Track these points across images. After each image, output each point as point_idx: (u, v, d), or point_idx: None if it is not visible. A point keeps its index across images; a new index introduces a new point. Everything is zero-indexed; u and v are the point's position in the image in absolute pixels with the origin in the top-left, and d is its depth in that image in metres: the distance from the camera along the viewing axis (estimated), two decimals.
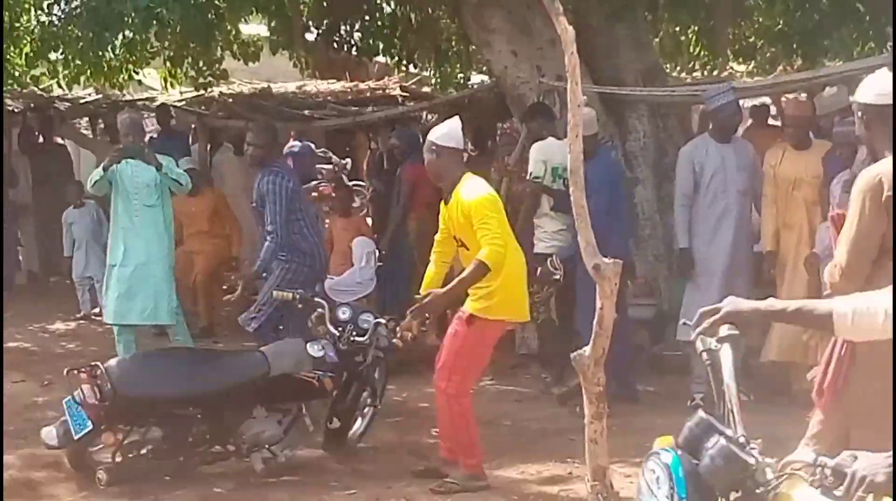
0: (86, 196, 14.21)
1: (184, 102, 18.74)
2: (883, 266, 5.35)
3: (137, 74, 18.43)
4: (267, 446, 8.71)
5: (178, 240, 14.49)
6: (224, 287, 15.66)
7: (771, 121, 16.50)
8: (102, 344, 11.48)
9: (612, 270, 6.68)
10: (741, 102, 16.15)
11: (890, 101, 5.53)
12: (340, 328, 9.17)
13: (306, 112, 17.47)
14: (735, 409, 3.89)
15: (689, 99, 13.78)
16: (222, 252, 14.67)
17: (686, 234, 10.73)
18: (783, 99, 16.60)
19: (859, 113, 5.74)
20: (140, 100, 20.07)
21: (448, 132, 8.43)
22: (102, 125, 19.12)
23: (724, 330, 4.06)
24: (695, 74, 18.70)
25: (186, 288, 14.45)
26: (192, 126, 18.09)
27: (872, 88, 5.69)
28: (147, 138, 16.73)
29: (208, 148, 17.66)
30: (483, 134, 15.66)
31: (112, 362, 8.75)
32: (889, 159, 5.41)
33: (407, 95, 17.52)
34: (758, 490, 3.69)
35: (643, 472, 3.94)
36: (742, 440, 3.75)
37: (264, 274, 10.66)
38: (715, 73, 17.76)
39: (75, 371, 8.39)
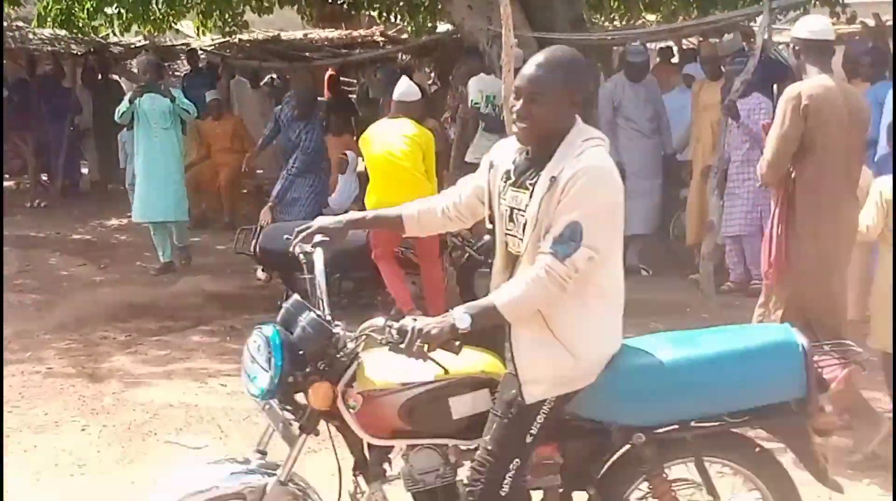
0: None
1: (212, 47, 18.57)
2: (800, 162, 5.65)
3: (176, 24, 18.31)
4: None
5: (206, 155, 14.63)
6: (244, 191, 15.74)
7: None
8: (147, 236, 11.48)
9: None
10: (653, 45, 16.26)
11: (819, 37, 5.78)
12: None
13: (307, 54, 17.35)
14: (324, 296, 3.99)
15: (608, 43, 13.73)
16: (241, 164, 14.67)
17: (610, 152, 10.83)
18: (693, 42, 16.63)
19: (795, 46, 5.88)
20: (178, 45, 19.93)
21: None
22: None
23: (318, 238, 4.12)
24: (616, 23, 18.60)
25: (213, 193, 14.57)
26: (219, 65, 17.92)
27: (805, 26, 5.90)
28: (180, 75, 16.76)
29: (230, 82, 17.49)
30: (445, 71, 15.60)
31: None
32: (813, 78, 5.70)
33: (386, 40, 17.42)
34: (339, 355, 3.81)
35: (248, 344, 3.99)
36: (329, 317, 3.87)
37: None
38: (632, 22, 17.65)
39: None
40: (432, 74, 16.84)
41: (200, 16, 17.89)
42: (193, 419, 6.69)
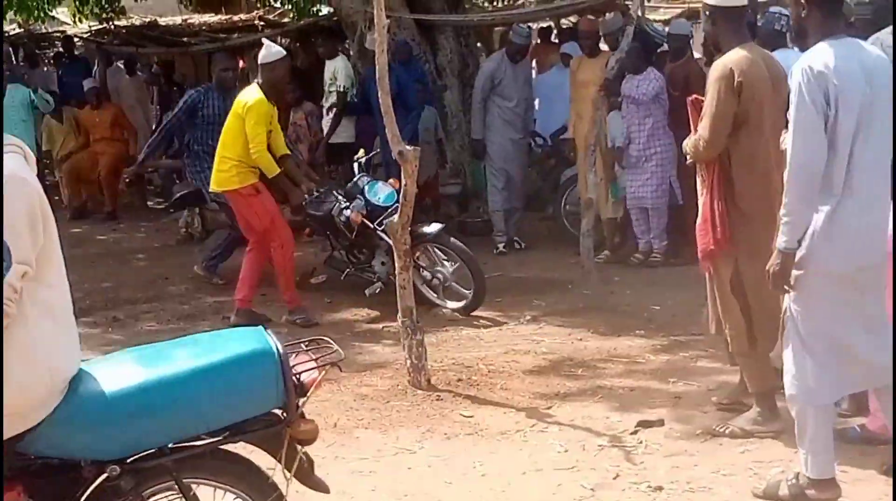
0: None
1: (88, 34, 18.23)
2: (734, 136, 5.56)
3: (51, 10, 17.95)
4: None
5: (85, 144, 14.40)
6: (125, 179, 15.51)
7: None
8: None
9: (413, 155, 6.74)
10: (532, 25, 16.36)
11: (734, 3, 5.64)
12: None
13: (185, 39, 17.12)
14: None
15: (486, 23, 13.82)
16: (122, 153, 14.51)
17: (480, 129, 11.02)
18: (571, 21, 16.75)
19: (707, 12, 5.79)
20: (54, 32, 19.53)
21: None
22: (23, 53, 18.55)
23: None
24: (494, 2, 18.65)
25: (93, 182, 14.35)
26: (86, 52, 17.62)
27: None
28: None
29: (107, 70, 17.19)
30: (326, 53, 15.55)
31: None
32: (736, 50, 5.58)
33: (265, 24, 17.25)
34: None
35: None
36: None
37: None
38: (511, 2, 17.74)
39: None
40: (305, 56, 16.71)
41: (76, 2, 17.59)
42: None
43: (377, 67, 6.77)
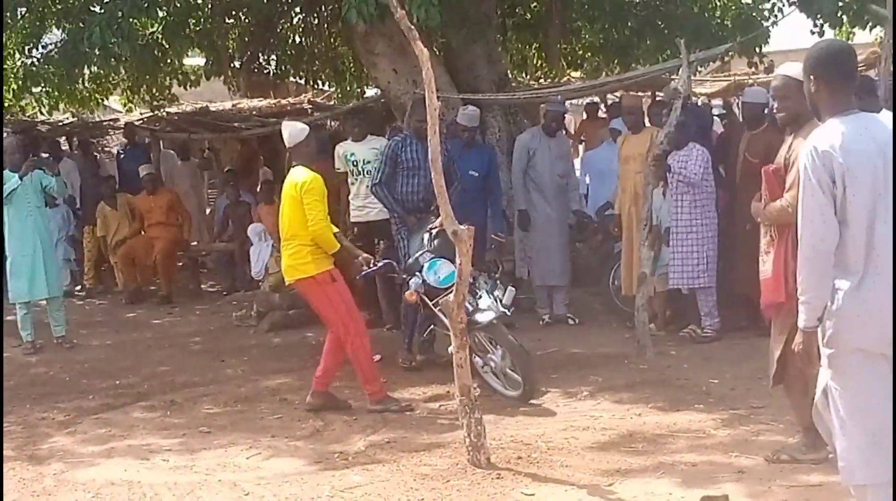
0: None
1: (141, 121, 18.51)
2: None
3: (104, 100, 18.26)
4: None
5: (139, 229, 14.62)
6: (179, 264, 15.69)
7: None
8: (79, 313, 11.37)
9: (467, 234, 6.78)
10: (579, 101, 16.45)
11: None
12: None
13: (236, 124, 17.36)
14: None
15: (532, 100, 13.92)
16: (176, 237, 14.71)
17: (523, 200, 11.16)
18: (617, 96, 16.87)
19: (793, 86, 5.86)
20: (106, 121, 19.84)
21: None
22: (77, 142, 18.87)
23: None
24: (541, 80, 18.80)
25: (147, 267, 14.53)
26: (147, 140, 17.84)
27: (796, 66, 5.74)
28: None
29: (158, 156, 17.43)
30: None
31: None
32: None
33: (314, 107, 17.46)
34: None
35: None
36: None
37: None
38: (556, 79, 17.86)
39: None
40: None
41: (128, 91, 17.90)
42: (136, 496, 6.59)
43: (430, 149, 6.83)
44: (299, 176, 8.21)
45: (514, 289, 8.95)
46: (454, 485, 6.39)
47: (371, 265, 8.61)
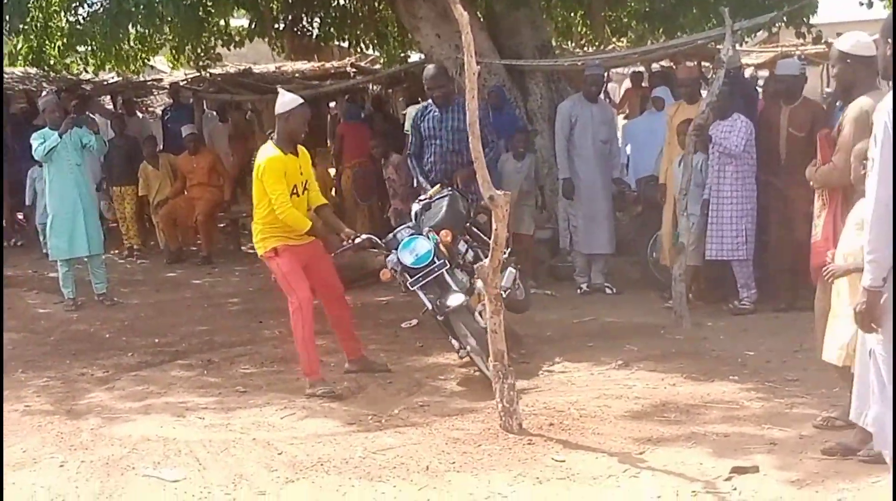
0: None
1: (185, 82, 18.62)
2: None
3: (149, 60, 18.37)
4: None
5: (181, 189, 14.71)
6: (220, 226, 15.80)
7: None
8: (122, 272, 11.50)
9: (503, 199, 6.79)
10: (624, 69, 16.38)
11: (862, 53, 6.13)
12: None
13: (279, 87, 17.40)
14: None
15: (578, 69, 13.83)
16: (217, 199, 14.78)
17: (567, 167, 11.01)
18: (661, 65, 16.79)
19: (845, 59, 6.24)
20: (149, 81, 19.96)
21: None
22: (122, 101, 18.99)
23: None
24: (585, 48, 18.74)
25: (189, 227, 14.63)
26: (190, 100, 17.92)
27: (849, 40, 6.24)
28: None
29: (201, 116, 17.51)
30: (415, 98, 15.80)
31: None
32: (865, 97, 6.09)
33: (357, 71, 17.51)
34: None
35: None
36: None
37: None
38: (601, 47, 17.79)
39: None
40: (402, 101, 16.99)
41: (173, 51, 17.98)
42: (171, 452, 6.68)
43: (468, 113, 6.84)
44: (260, 157, 8.03)
45: (514, 271, 8.75)
46: (486, 450, 6.43)
47: (351, 241, 8.26)
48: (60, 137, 11.13)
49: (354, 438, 6.82)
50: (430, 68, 9.94)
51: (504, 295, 7.94)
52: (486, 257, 7.91)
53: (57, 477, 6.32)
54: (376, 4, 15.80)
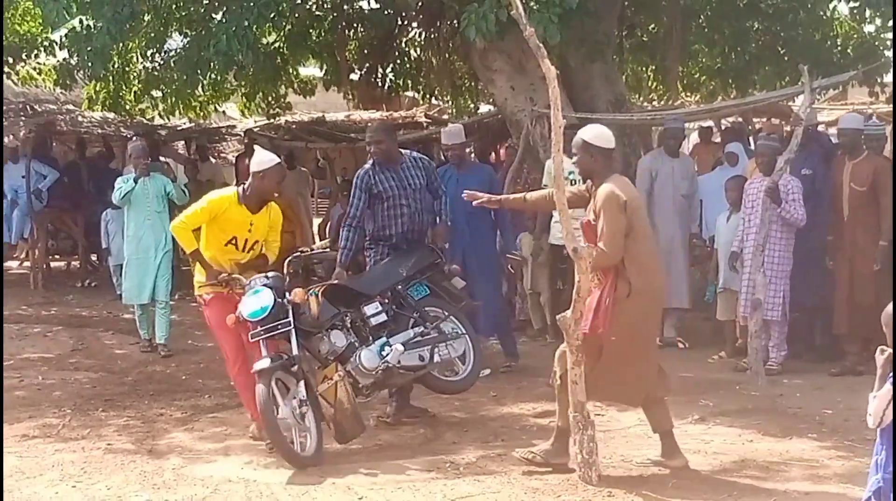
0: None
1: (257, 128, 18.87)
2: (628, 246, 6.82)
3: (220, 106, 18.64)
4: None
5: None
6: (291, 271, 15.92)
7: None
8: (195, 315, 11.59)
9: (587, 252, 6.85)
10: (691, 124, 16.41)
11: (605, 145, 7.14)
12: None
13: (352, 135, 17.60)
14: None
15: (648, 122, 13.91)
16: (289, 245, 14.86)
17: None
18: (731, 121, 16.81)
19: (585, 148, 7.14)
20: (222, 127, 20.24)
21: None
22: (195, 146, 19.29)
23: None
24: (654, 103, 18.78)
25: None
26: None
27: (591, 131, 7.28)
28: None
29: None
30: (486, 149, 15.91)
31: None
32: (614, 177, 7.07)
33: (430, 121, 17.65)
34: None
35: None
36: None
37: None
38: (671, 102, 17.85)
39: None
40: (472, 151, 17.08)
41: (244, 98, 18.25)
42: (253, 495, 6.76)
43: (553, 166, 6.92)
44: (214, 193, 8.23)
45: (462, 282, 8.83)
46: (565, 500, 6.46)
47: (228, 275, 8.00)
48: (136, 183, 11.28)
49: (433, 485, 6.87)
50: (372, 124, 9.95)
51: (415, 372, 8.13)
52: (410, 322, 8.30)
53: None
54: (450, 56, 15.97)
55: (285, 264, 8.21)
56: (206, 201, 8.02)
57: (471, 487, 6.80)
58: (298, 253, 8.85)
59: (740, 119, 16.11)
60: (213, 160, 19.30)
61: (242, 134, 18.73)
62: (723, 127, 16.90)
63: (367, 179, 8.79)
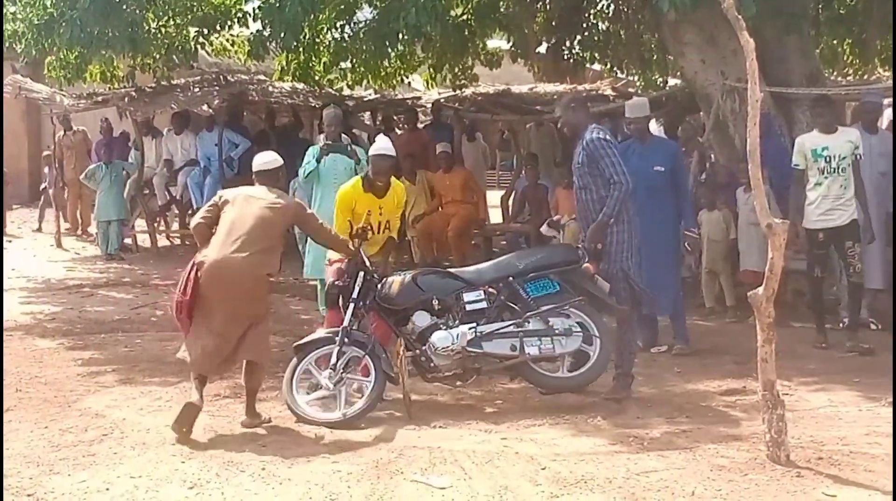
0: None
1: (443, 100, 19.04)
2: None
3: (407, 78, 18.83)
4: None
5: (437, 206, 15.08)
6: (472, 243, 16.08)
7: None
8: None
9: (781, 228, 6.74)
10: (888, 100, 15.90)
11: None
12: None
13: (537, 107, 17.60)
14: None
15: (843, 97, 13.56)
16: (471, 215, 15.10)
17: None
18: None
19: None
20: (408, 98, 20.44)
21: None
22: (380, 117, 19.56)
23: None
24: (848, 77, 18.27)
25: (444, 242, 14.96)
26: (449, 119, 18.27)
27: None
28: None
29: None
30: (674, 124, 15.70)
31: None
32: None
33: (616, 94, 17.51)
34: None
35: None
36: None
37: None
38: (865, 77, 17.34)
39: None
40: (660, 127, 16.89)
41: (431, 69, 18.39)
42: (437, 460, 6.87)
43: (748, 140, 6.82)
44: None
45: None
46: (753, 479, 6.38)
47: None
48: (318, 163, 11.14)
49: (617, 458, 6.87)
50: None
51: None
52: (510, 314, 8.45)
53: (330, 477, 6.59)
54: (639, 28, 15.81)
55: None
56: (337, 200, 9.07)
57: (655, 462, 6.77)
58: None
59: None
60: (398, 132, 19.54)
61: (429, 105, 18.89)
62: None
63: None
